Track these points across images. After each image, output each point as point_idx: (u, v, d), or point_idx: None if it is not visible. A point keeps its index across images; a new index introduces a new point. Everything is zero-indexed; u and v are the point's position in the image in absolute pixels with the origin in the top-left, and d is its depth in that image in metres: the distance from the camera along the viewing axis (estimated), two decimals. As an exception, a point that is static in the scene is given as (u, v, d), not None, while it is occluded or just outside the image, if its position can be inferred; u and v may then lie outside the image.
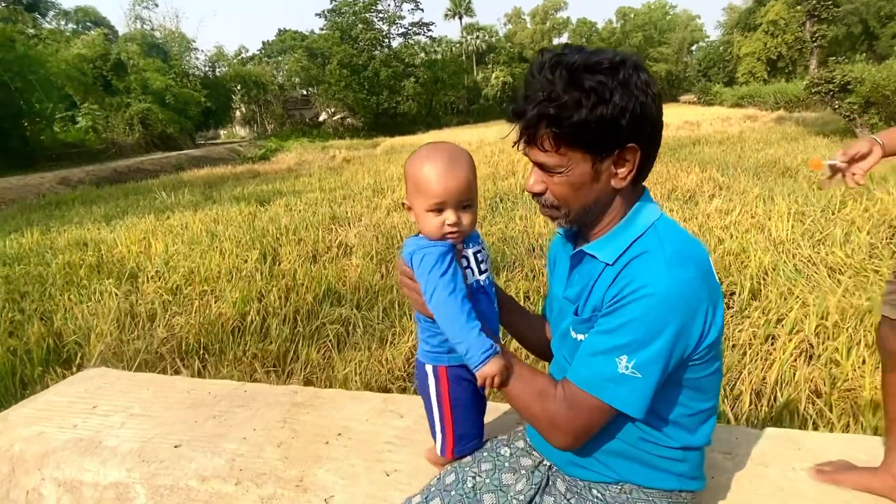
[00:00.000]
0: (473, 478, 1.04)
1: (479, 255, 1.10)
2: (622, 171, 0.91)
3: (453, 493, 1.01)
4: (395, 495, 1.17)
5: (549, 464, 1.07)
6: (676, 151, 12.56)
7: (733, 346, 3.10)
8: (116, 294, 4.63)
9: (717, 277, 0.92)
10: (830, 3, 34.23)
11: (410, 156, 1.05)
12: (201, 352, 3.63)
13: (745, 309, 3.57)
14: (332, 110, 46.50)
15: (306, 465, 1.25)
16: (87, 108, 25.34)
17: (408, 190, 1.05)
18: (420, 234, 1.08)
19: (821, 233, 5.10)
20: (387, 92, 43.73)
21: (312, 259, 5.58)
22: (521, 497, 0.99)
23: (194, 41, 43.14)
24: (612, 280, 0.90)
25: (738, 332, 3.23)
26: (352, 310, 4.04)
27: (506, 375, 0.97)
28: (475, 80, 53.52)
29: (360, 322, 3.82)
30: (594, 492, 0.98)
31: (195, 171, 18.38)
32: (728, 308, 3.66)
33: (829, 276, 4.11)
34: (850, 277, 4.01)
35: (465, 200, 1.01)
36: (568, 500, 1.00)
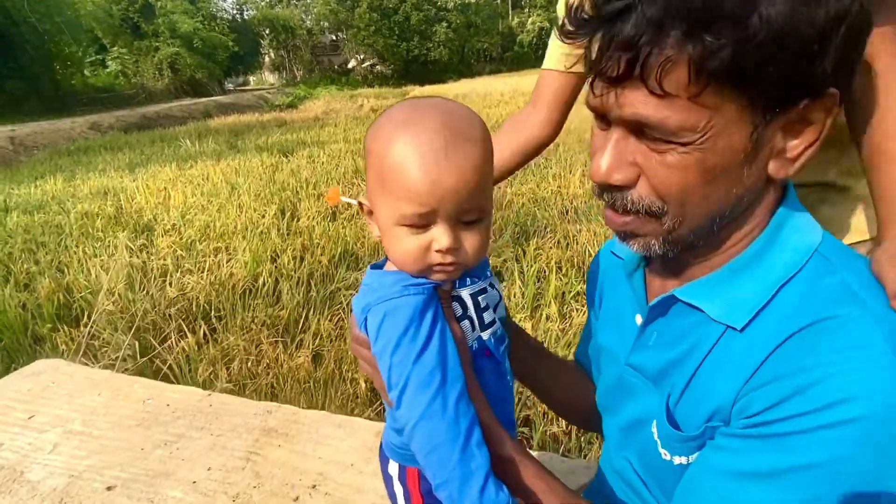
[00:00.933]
0: None
1: (482, 296, 0.65)
2: (796, 144, 0.48)
3: None
4: None
5: None
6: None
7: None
8: (130, 248, 4.49)
9: None
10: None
11: (378, 118, 0.60)
12: (210, 314, 3.45)
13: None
14: (361, 57, 45.36)
15: (265, 539, 0.97)
16: (116, 52, 25.25)
17: (368, 181, 0.61)
18: (386, 265, 0.66)
19: None
20: (417, 37, 42.21)
21: (332, 216, 5.31)
22: None
23: (222, -18, 42.23)
24: (758, 366, 0.48)
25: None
26: (369, 275, 3.78)
27: None
28: (510, 26, 50.99)
29: (377, 289, 3.56)
30: None
31: (223, 118, 18.19)
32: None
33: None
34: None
35: (473, 210, 0.57)
36: None
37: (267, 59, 46.26)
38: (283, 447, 1.12)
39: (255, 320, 3.28)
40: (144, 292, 3.72)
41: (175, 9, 29.50)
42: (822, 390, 0.43)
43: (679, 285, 0.57)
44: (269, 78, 49.91)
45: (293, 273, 3.86)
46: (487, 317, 0.65)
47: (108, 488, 1.05)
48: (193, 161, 8.64)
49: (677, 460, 0.56)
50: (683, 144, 0.46)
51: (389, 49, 41.64)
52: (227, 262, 4.06)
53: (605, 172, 0.51)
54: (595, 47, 0.47)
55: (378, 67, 44.61)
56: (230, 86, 38.25)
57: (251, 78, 48.87)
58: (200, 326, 3.28)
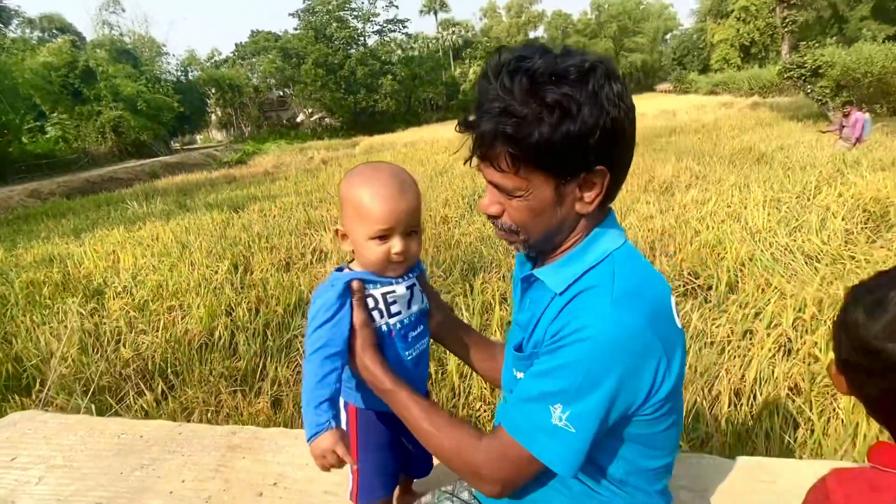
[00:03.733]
0: None
1: (389, 295, 0.99)
2: (589, 195, 0.79)
3: None
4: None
5: None
6: (653, 142, 12.59)
7: (711, 342, 3.05)
8: (81, 313, 4.45)
9: (677, 322, 0.83)
10: (800, -13, 34.52)
11: (347, 176, 0.96)
12: (168, 371, 3.49)
13: (723, 303, 3.52)
14: (310, 111, 46.04)
15: (236, 524, 1.12)
16: (56, 118, 24.76)
17: (344, 215, 0.96)
18: (349, 265, 1.00)
19: (797, 220, 5.09)
20: (364, 90, 43.37)
21: (285, 267, 5.44)
22: None
23: (164, 45, 42.43)
24: (557, 314, 0.80)
25: (716, 328, 3.18)
26: (324, 320, 3.91)
27: (343, 451, 0.87)
28: (453, 76, 53.27)
29: (333, 333, 3.70)
30: None
31: (170, 178, 18.04)
32: (706, 302, 3.62)
33: (806, 263, 4.09)
34: (826, 265, 4.00)
35: (413, 225, 0.95)
36: None
37: (214, 117, 46.23)
38: (247, 458, 1.29)
39: (213, 373, 3.35)
40: (98, 355, 3.72)
41: (117, 73, 29.40)
42: (575, 322, 0.75)
43: (539, 267, 0.88)
44: (217, 135, 49.78)
45: (249, 325, 3.95)
46: (394, 309, 0.99)
47: (95, 504, 1.18)
48: (142, 222, 8.58)
49: (519, 376, 0.88)
50: (517, 197, 0.79)
51: (337, 102, 42.51)
52: (181, 319, 4.10)
53: (485, 207, 0.84)
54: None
55: (327, 120, 45.31)
56: (177, 145, 37.89)
57: (198, 136, 48.61)
58: (158, 384, 3.31)
